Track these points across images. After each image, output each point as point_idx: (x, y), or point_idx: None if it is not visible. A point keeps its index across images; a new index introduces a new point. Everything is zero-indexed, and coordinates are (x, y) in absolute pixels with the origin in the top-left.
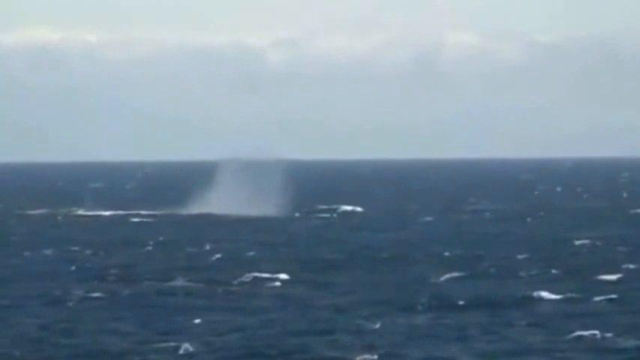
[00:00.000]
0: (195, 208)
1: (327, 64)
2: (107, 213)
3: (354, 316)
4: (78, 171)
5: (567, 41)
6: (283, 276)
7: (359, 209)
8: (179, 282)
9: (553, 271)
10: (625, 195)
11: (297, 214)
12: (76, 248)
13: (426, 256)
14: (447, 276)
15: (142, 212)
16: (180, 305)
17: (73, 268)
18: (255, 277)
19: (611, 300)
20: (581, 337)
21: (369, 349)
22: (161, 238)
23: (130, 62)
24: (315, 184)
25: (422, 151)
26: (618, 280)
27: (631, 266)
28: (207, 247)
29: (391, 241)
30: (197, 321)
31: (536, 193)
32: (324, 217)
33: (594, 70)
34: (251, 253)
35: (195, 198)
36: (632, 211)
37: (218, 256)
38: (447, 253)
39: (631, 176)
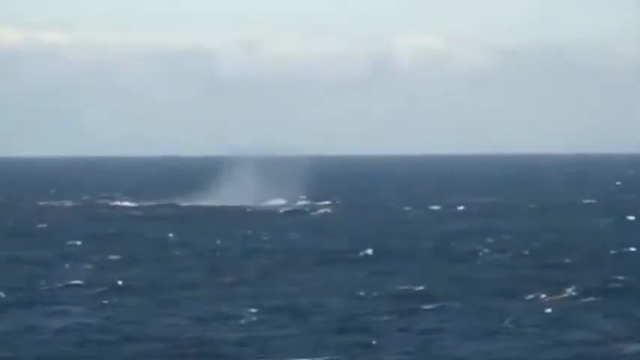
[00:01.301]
0: (215, 201)
1: (287, 67)
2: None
3: (371, 313)
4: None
5: (525, 48)
6: (289, 272)
7: (338, 202)
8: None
9: (558, 263)
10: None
11: (281, 211)
12: (78, 242)
13: (427, 249)
14: (455, 269)
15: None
16: (197, 297)
17: (73, 261)
18: (263, 270)
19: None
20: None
21: (400, 348)
22: (168, 234)
23: (91, 65)
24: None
25: (381, 148)
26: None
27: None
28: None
29: (387, 235)
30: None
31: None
32: (308, 212)
33: (550, 76)
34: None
35: (211, 191)
36: (612, 205)
37: (222, 249)
38: (449, 246)
39: (579, 171)
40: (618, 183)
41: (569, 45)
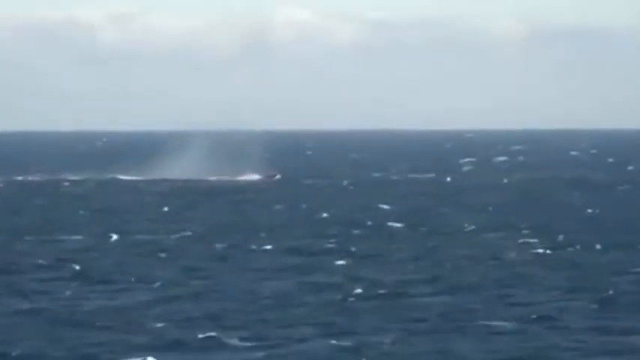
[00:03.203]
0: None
1: (161, 40)
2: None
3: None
4: None
5: (399, 19)
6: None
7: (256, 177)
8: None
9: (523, 230)
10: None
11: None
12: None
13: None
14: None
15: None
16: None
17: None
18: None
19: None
20: None
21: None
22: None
23: None
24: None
25: (256, 124)
26: None
27: None
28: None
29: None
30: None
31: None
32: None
33: (425, 47)
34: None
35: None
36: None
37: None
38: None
39: (455, 146)
40: (503, 158)
41: (446, 17)
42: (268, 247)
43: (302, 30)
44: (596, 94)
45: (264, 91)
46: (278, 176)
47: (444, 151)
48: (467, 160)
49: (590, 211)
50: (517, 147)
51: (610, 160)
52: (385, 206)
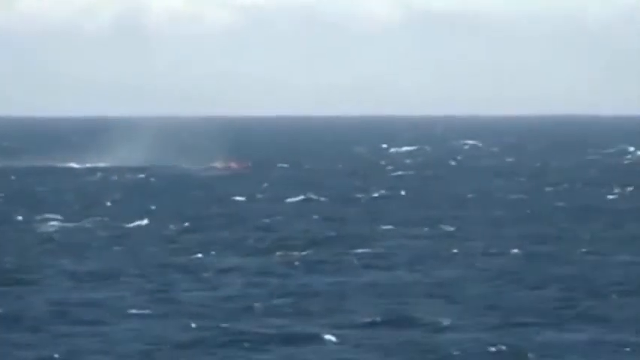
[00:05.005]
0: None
1: (38, 21)
2: None
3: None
4: None
5: (271, 4)
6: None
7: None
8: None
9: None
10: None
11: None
12: None
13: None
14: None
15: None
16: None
17: None
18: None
19: None
20: None
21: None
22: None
23: None
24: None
25: (129, 110)
26: None
27: None
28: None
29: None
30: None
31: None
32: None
33: (298, 32)
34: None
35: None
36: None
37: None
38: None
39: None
40: (411, 148)
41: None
42: (218, 245)
43: (175, 14)
44: (470, 80)
45: (138, 76)
46: (234, 165)
47: (329, 138)
48: (359, 148)
49: (516, 199)
50: (408, 134)
51: (495, 149)
52: (314, 196)
